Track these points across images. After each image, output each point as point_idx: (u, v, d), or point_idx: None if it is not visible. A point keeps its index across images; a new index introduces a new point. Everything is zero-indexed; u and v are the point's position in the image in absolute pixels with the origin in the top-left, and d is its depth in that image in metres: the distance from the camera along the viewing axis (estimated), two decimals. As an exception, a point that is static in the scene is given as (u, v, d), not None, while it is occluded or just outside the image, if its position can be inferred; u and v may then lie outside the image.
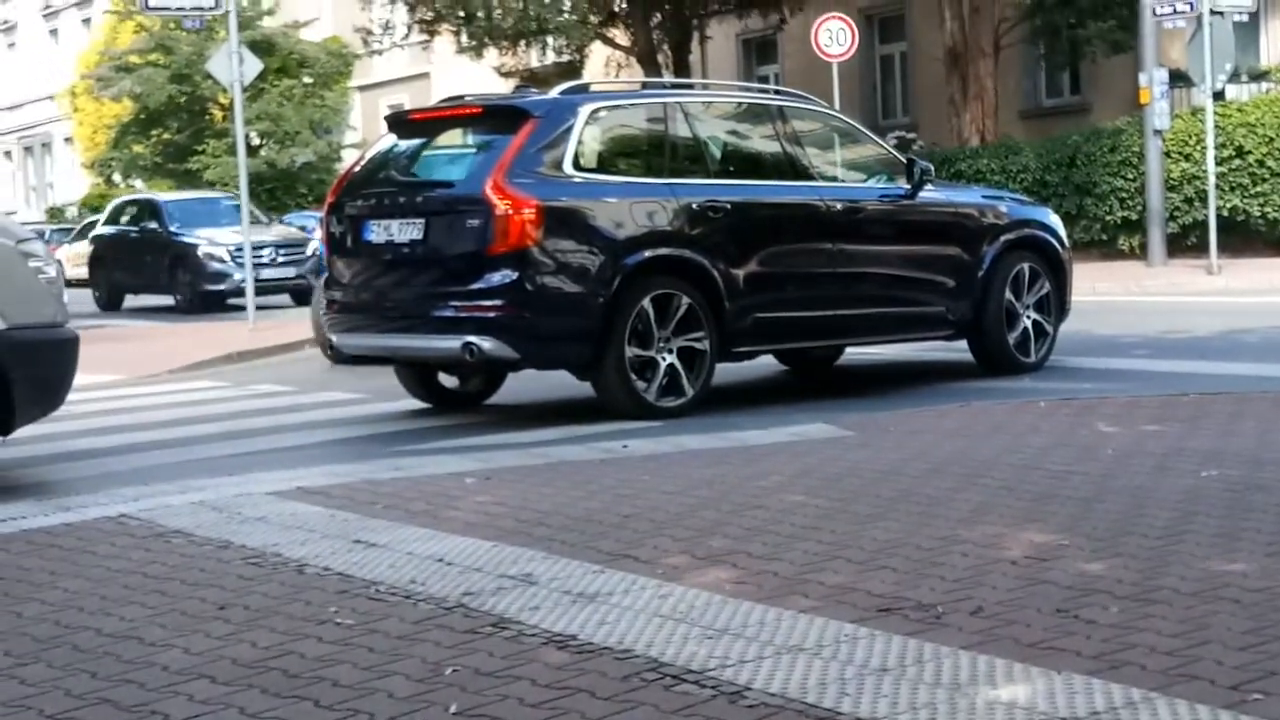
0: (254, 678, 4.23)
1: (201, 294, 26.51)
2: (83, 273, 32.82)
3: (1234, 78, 25.30)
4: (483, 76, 34.58)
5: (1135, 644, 4.13)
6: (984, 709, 3.69)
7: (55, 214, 59.73)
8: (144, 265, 28.14)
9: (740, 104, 12.13)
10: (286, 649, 4.49)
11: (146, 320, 24.79)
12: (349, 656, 4.38)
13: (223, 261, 26.27)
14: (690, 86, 14.46)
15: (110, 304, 29.05)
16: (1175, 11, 23.71)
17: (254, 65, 20.92)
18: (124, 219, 30.06)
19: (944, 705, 3.73)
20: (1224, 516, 5.66)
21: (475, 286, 9.75)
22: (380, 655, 4.38)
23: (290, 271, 25.51)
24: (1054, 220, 12.51)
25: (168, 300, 27.72)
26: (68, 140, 63.65)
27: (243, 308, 21.54)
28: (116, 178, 53.51)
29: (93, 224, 40.42)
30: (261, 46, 40.38)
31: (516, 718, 3.79)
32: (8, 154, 71.10)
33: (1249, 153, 24.74)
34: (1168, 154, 25.10)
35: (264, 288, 23.55)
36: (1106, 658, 4.03)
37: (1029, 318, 11.80)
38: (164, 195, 32.73)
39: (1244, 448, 7.21)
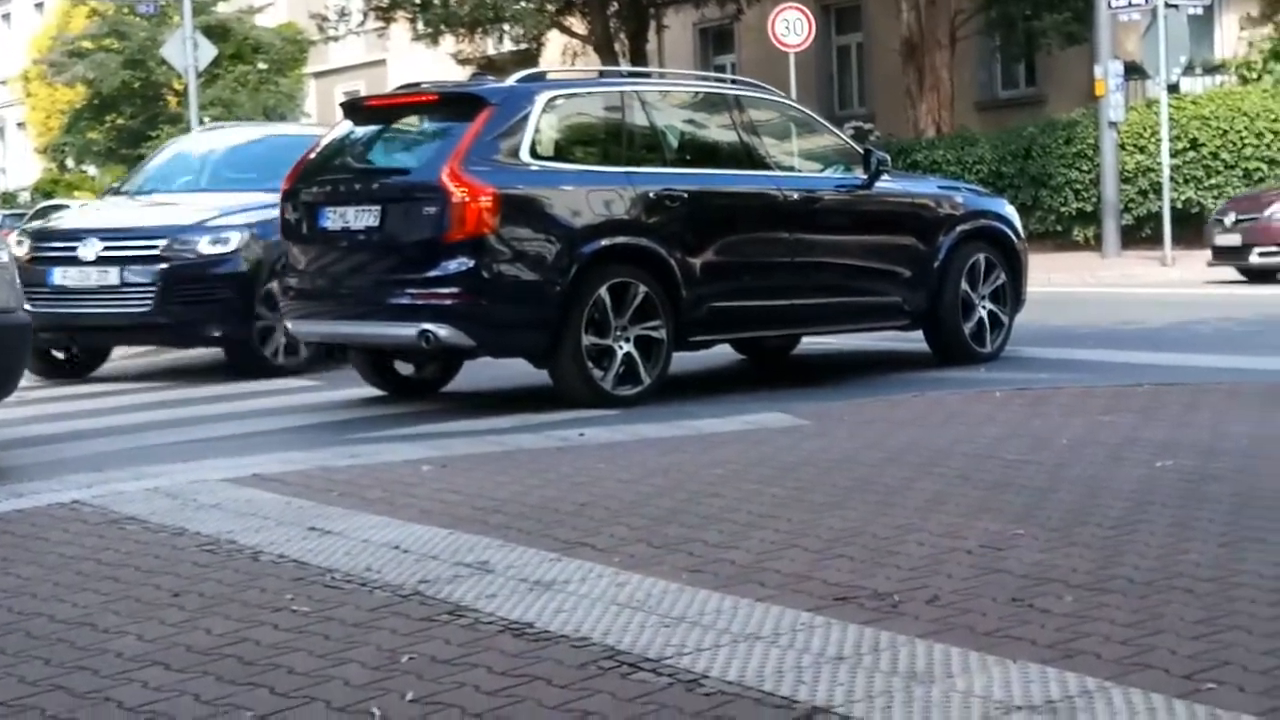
0: (209, 665, 4.21)
1: None
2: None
3: (1188, 70, 25.50)
4: (439, 64, 34.51)
5: (1090, 633, 4.15)
6: (940, 698, 3.70)
7: (8, 199, 59.32)
8: None
9: (697, 93, 12.13)
10: (241, 636, 4.47)
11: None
12: (304, 644, 4.36)
13: None
14: (647, 75, 14.45)
15: None
16: (1130, 4, 23.87)
17: (208, 51, 20.88)
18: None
19: (900, 694, 3.74)
20: (1178, 507, 5.69)
21: (431, 274, 9.73)
22: (336, 642, 4.36)
23: None
24: (1009, 211, 12.56)
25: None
26: (20, 125, 63.21)
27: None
28: (70, 163, 53.21)
29: (47, 209, 40.18)
30: (216, 32, 40.23)
31: (473, 705, 3.78)
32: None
33: (1203, 145, 24.94)
34: (1122, 146, 25.27)
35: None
36: (1061, 646, 4.05)
37: (984, 308, 11.85)
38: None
39: (1198, 438, 7.25)
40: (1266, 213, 20.02)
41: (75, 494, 6.88)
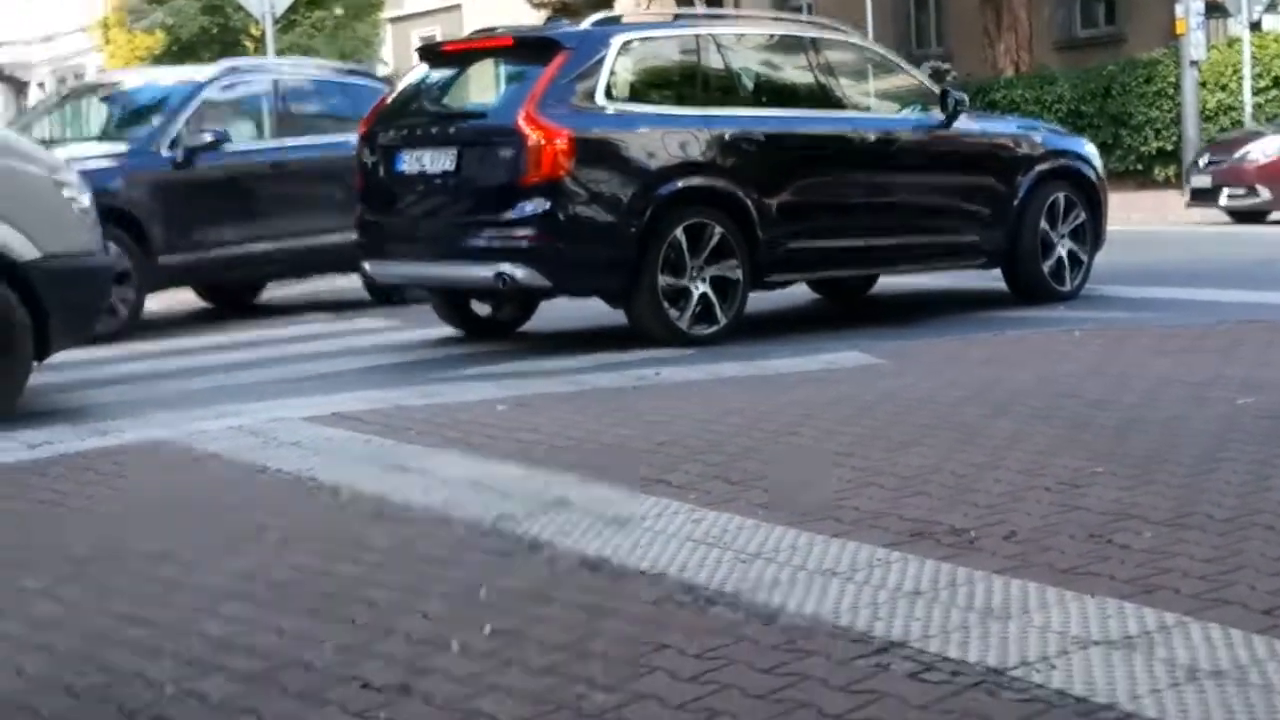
0: (289, 599, 4.26)
1: None
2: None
3: (1271, 8, 25.10)
4: (515, 8, 34.45)
5: (1169, 569, 4.13)
6: (1017, 633, 3.69)
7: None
8: None
9: (773, 35, 12.04)
10: (322, 570, 4.52)
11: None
12: (384, 578, 4.41)
13: None
14: (723, 17, 14.38)
15: None
16: (1212, -59, 23.48)
17: (285, -3, 20.87)
18: None
19: (976, 629, 3.74)
20: (1260, 444, 5.63)
21: (508, 216, 9.75)
22: (415, 577, 4.40)
23: None
24: (1089, 150, 12.43)
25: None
26: (100, 72, 63.68)
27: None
28: (150, 110, 53.44)
29: None
30: (293, -23, 40.22)
31: (550, 638, 3.80)
32: (41, 85, 71.14)
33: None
34: (1203, 84, 24.92)
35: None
36: (1140, 582, 4.03)
37: (1064, 247, 11.75)
38: None
39: (1279, 377, 7.17)
40: (1236, 154, 20.05)
41: (158, 433, 6.96)
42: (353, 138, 11.29)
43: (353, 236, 11.00)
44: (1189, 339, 8.63)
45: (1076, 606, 3.86)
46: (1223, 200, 19.96)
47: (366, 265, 10.91)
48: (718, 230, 10.03)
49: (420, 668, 3.65)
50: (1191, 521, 4.59)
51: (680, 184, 9.97)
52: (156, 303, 14.31)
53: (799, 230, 10.50)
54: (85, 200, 8.49)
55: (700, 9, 29.74)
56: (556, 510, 5.09)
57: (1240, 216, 20.25)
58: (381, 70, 48.32)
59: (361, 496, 5.46)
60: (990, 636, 3.68)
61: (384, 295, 13.22)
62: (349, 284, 13.91)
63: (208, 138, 12.85)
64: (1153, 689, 3.29)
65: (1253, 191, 19.86)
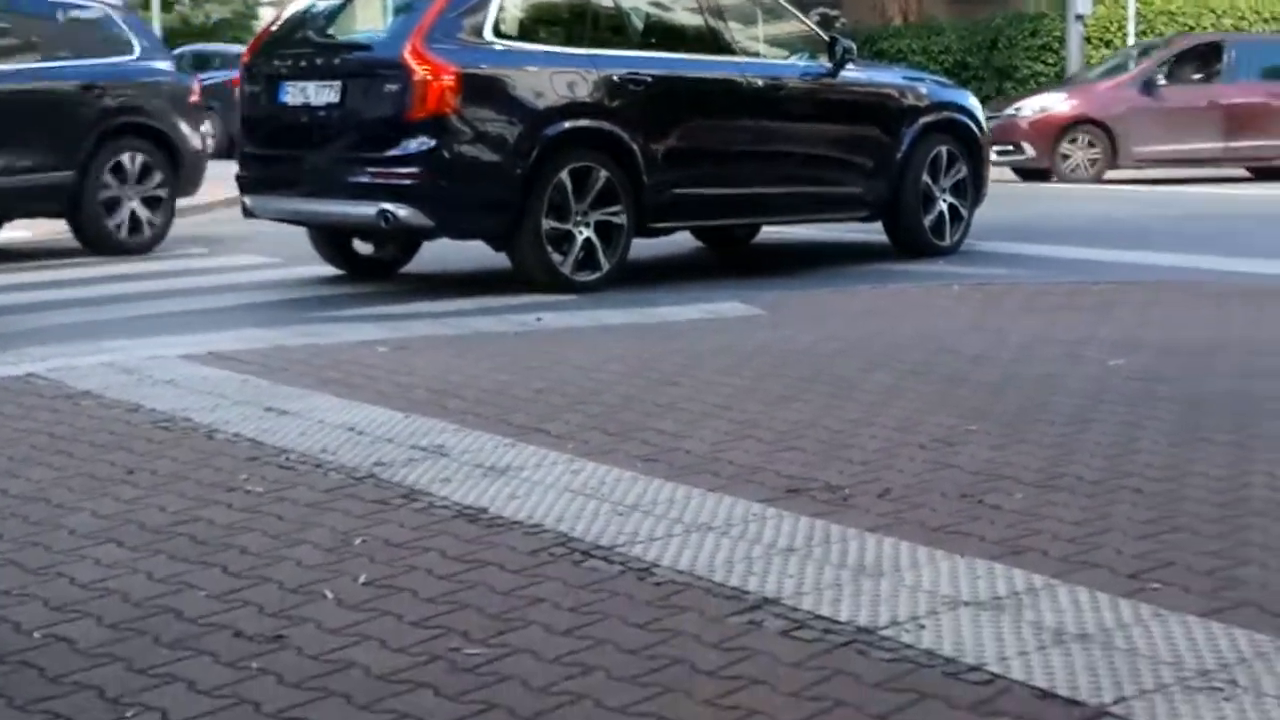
0: (162, 543, 4.22)
1: None
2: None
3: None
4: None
5: (1038, 530, 4.20)
6: (889, 591, 3.74)
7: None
8: None
9: (664, -24, 12.00)
10: (195, 515, 4.48)
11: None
12: (258, 524, 4.37)
13: None
14: (614, -44, 14.26)
15: None
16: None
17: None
18: None
19: (849, 586, 3.77)
20: (1129, 406, 5.73)
21: (392, 153, 9.66)
22: (290, 524, 4.37)
23: None
24: (973, 103, 12.52)
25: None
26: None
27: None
28: None
29: None
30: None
31: (425, 589, 3.80)
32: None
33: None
34: (1088, 40, 25.19)
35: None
36: (1010, 543, 4.09)
37: (945, 201, 11.85)
38: None
39: (1152, 337, 7.29)
40: (1006, 110, 20.41)
41: (29, 367, 6.85)
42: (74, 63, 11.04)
43: (66, 176, 10.69)
44: (1064, 296, 8.76)
45: (947, 566, 3.91)
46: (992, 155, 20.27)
47: (246, 200, 10.76)
48: (603, 174, 10.00)
49: (293, 617, 3.63)
50: (1061, 483, 4.66)
51: (567, 125, 9.92)
52: (20, 233, 14.09)
53: (684, 177, 10.49)
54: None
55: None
56: (434, 458, 5.08)
57: (1025, 174, 20.58)
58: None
59: (237, 439, 5.41)
60: (862, 595, 3.72)
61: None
62: (58, 229, 13.45)
63: None
64: (1020, 651, 3.34)
65: (1018, 149, 20.20)
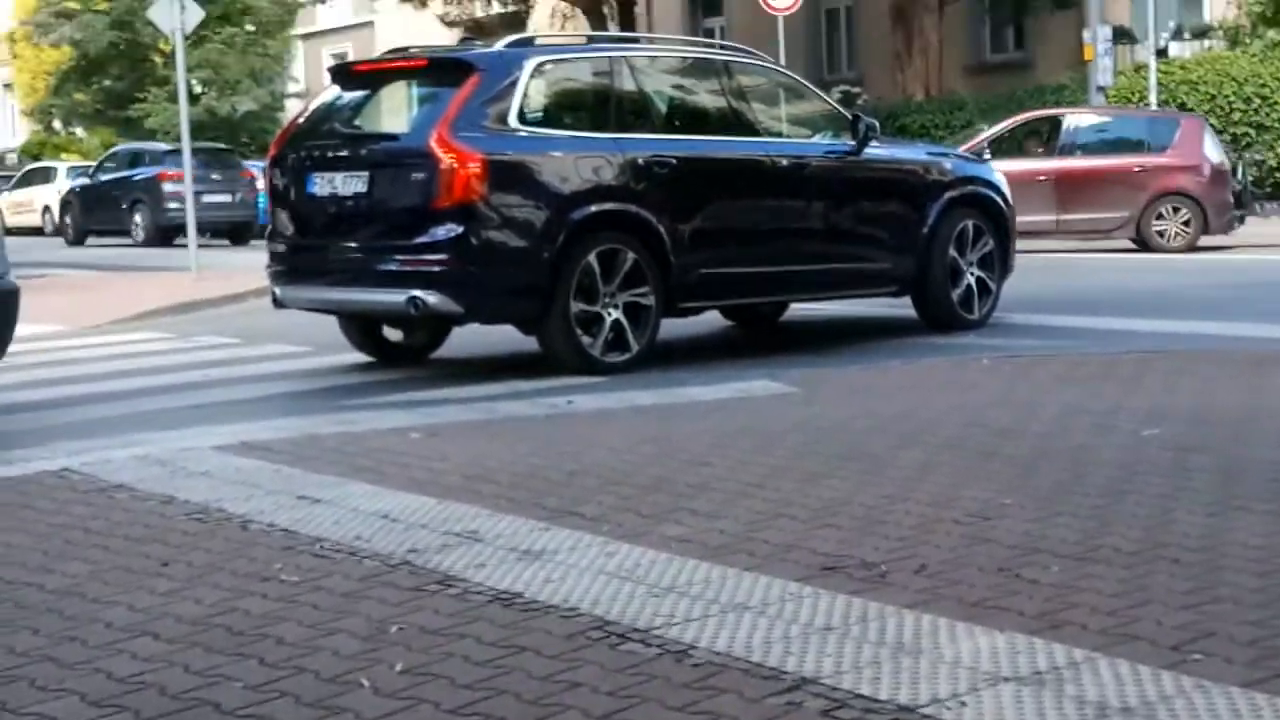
0: (198, 635, 4.22)
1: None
2: (24, 220, 36.55)
3: (1177, 35, 25.47)
4: (427, 26, 34.36)
5: (1077, 603, 4.17)
6: (928, 668, 3.72)
7: (-5, 161, 59.14)
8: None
9: (686, 59, 12.10)
10: (230, 606, 4.48)
11: (90, 271, 24.55)
12: (293, 614, 4.37)
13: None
14: (636, 40, 14.39)
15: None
16: (1120, -32, 23.81)
17: (196, 13, 20.72)
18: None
19: (888, 664, 3.75)
20: (1165, 476, 5.71)
21: (420, 240, 9.72)
22: (325, 613, 4.37)
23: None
24: (998, 178, 12.54)
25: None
26: (7, 87, 62.90)
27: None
28: (57, 125, 52.99)
29: (35, 171, 41.11)
30: (203, -7, 39.96)
31: (462, 676, 3.79)
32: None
33: (1191, 110, 24.88)
34: (1111, 111, 25.20)
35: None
36: (1048, 617, 4.07)
37: (973, 274, 11.85)
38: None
39: (1184, 407, 7.27)
40: None
41: (64, 461, 6.87)
42: None
43: None
44: (1095, 368, 8.73)
45: (986, 642, 3.89)
46: None
47: (276, 290, 10.83)
48: (630, 256, 10.04)
49: (331, 707, 3.62)
50: (1098, 555, 4.64)
51: (593, 209, 9.97)
52: (52, 326, 14.20)
53: (711, 257, 10.52)
54: (-10, 223, 8.38)
55: (613, 32, 29.79)
56: (468, 543, 5.07)
57: None
58: (293, 88, 48.24)
59: (271, 528, 5.42)
60: (902, 673, 3.70)
61: None
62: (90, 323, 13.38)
63: None
64: (1061, 727, 3.31)
65: None
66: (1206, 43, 27.81)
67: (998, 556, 4.67)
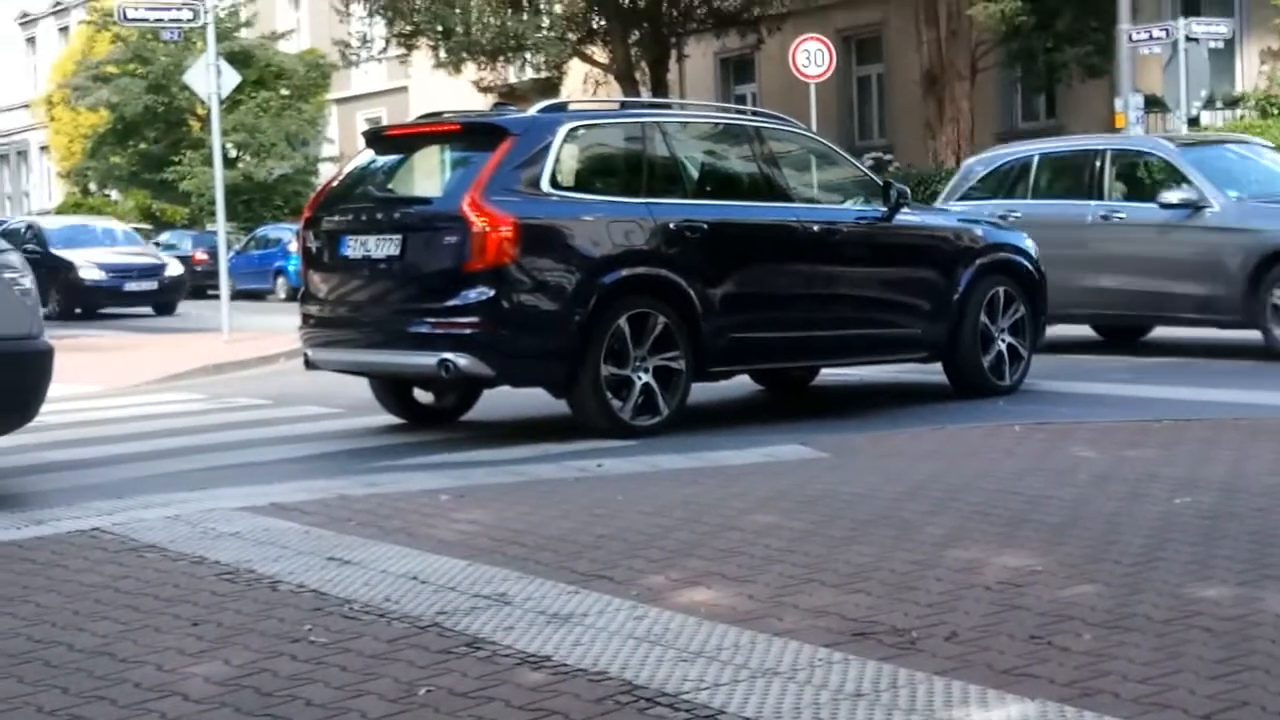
0: (227, 695, 4.22)
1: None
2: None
3: (1209, 104, 25.47)
4: (461, 91, 34.57)
5: (1109, 671, 4.15)
6: (958, 735, 3.70)
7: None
8: None
9: (718, 124, 12.16)
10: (260, 667, 4.48)
11: (123, 332, 24.70)
12: (322, 675, 4.37)
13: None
14: (668, 106, 14.48)
15: None
16: (1151, 38, 23.87)
17: (232, 78, 20.92)
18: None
19: (918, 731, 3.74)
20: (1197, 544, 5.68)
21: (452, 303, 9.75)
22: (354, 674, 4.37)
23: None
24: (1029, 244, 12.52)
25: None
26: (44, 149, 63.55)
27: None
28: (93, 187, 53.46)
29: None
30: (239, 58, 40.38)
31: (491, 739, 3.78)
32: (-17, 161, 70.95)
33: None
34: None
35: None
36: (1080, 685, 4.04)
37: (1004, 341, 11.84)
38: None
39: (1217, 475, 7.24)
40: None
41: (95, 521, 6.90)
42: None
43: None
44: (1127, 436, 8.70)
45: (1018, 709, 3.87)
46: None
47: (308, 352, 10.88)
48: (661, 320, 10.06)
49: (358, 769, 3.62)
50: (1130, 623, 4.62)
51: (624, 273, 10.00)
52: (89, 386, 14.25)
53: (741, 322, 10.53)
54: (26, 283, 8.44)
55: (646, 98, 29.96)
56: (497, 606, 5.07)
57: None
58: (327, 151, 48.56)
59: (300, 589, 5.43)
60: (931, 740, 3.68)
61: None
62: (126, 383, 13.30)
63: None
64: (1093, 796, 3.29)
65: None
66: (1238, 112, 27.80)
67: (1029, 624, 4.65)
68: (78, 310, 29.38)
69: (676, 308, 10.17)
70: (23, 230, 31.97)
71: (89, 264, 29.85)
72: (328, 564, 5.81)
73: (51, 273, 28.55)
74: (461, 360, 9.64)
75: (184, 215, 46.69)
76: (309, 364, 10.93)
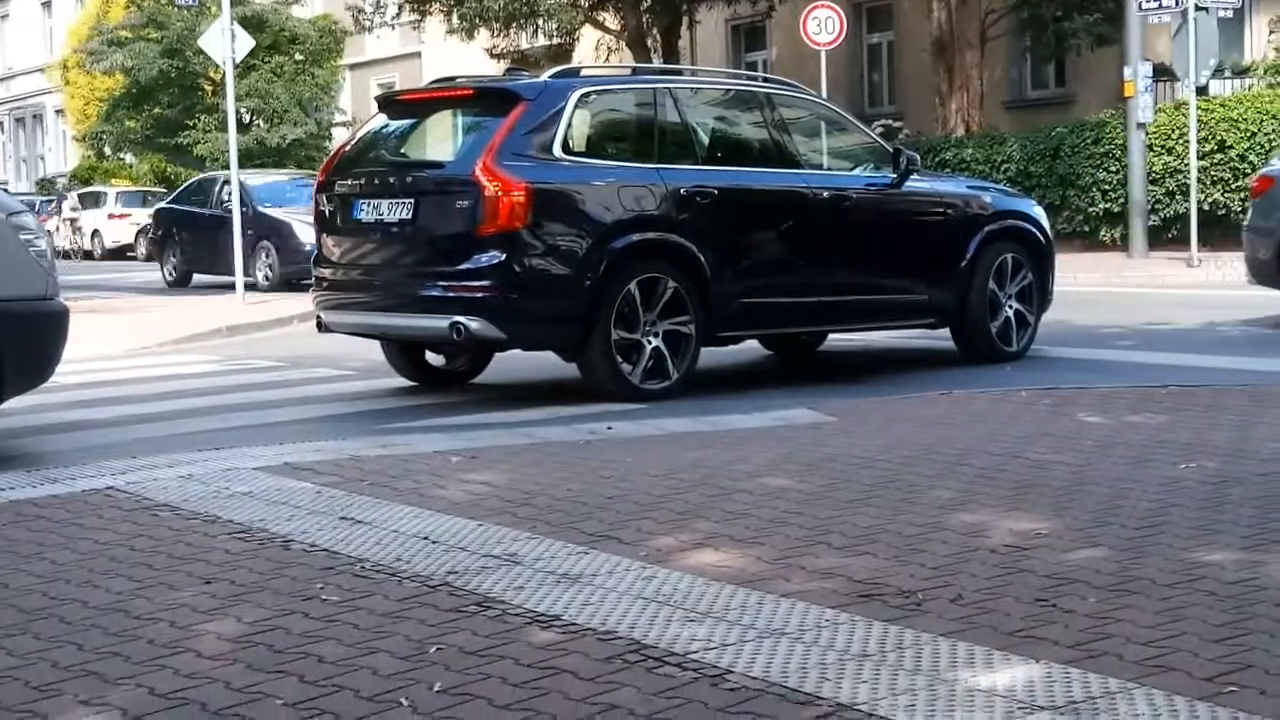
0: (239, 652, 4.27)
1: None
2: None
3: (1217, 73, 25.38)
4: (474, 58, 34.53)
5: (1113, 634, 4.19)
6: (963, 696, 3.74)
7: (45, 186, 59.65)
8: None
9: (729, 91, 12.17)
10: (272, 624, 4.53)
11: (138, 294, 24.75)
12: (334, 633, 4.42)
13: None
14: (680, 72, 14.47)
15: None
16: (1161, 6, 23.80)
17: (246, 42, 20.93)
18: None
19: (924, 692, 3.78)
20: (1202, 509, 5.72)
21: (463, 267, 9.79)
22: (365, 632, 4.42)
23: None
24: (1037, 211, 12.56)
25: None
26: (59, 112, 63.57)
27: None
28: (107, 150, 53.47)
29: (85, 196, 41.66)
30: (252, 23, 40.38)
31: (500, 697, 3.83)
32: (-1, 125, 70.97)
33: (1231, 147, 24.83)
34: (1150, 147, 25.17)
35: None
36: (1084, 647, 4.09)
37: (1011, 307, 11.87)
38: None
39: (1222, 441, 7.27)
40: None
41: (110, 480, 6.95)
42: None
43: None
44: (1133, 401, 8.73)
45: (1022, 670, 3.91)
46: None
47: (321, 315, 10.92)
48: (671, 285, 10.09)
49: (370, 724, 3.67)
50: (1135, 586, 4.66)
51: (635, 238, 10.03)
52: (107, 347, 14.30)
53: (751, 287, 10.56)
54: (41, 244, 8.49)
55: (657, 64, 29.92)
56: (507, 566, 5.12)
57: None
58: (340, 117, 48.52)
59: (313, 549, 5.48)
60: (938, 700, 3.72)
61: None
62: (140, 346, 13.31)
63: None
64: (1094, 754, 3.33)
65: None
66: (1247, 81, 27.72)
67: (1034, 586, 4.69)
68: (300, 281, 21.32)
69: (686, 273, 10.20)
70: (218, 185, 26.58)
71: (305, 225, 21.10)
72: (340, 524, 5.86)
73: (262, 237, 24.11)
74: (473, 323, 9.68)
75: None
76: (322, 327, 10.98)
